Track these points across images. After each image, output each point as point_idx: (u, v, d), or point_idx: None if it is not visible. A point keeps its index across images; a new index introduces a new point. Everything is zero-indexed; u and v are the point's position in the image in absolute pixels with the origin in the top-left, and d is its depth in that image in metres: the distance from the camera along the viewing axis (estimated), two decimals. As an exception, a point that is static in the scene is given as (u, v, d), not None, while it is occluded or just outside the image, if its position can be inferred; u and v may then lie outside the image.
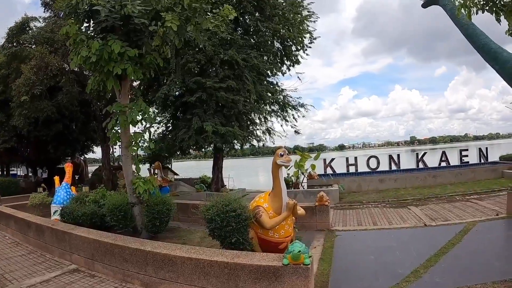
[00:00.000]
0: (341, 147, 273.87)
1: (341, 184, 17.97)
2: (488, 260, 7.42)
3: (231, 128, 18.00)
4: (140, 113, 10.89)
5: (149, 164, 29.66)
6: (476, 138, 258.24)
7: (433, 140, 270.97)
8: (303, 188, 18.30)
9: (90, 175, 36.51)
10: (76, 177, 33.87)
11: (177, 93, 19.95)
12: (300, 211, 8.39)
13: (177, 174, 33.86)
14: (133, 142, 11.02)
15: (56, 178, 14.71)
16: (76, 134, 29.44)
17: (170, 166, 35.01)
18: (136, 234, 10.59)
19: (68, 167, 14.43)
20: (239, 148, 22.35)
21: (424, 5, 8.85)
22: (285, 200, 7.63)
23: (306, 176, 18.89)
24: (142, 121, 11.19)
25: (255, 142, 22.16)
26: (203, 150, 23.03)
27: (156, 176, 22.82)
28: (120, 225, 10.69)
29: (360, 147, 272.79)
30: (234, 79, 18.67)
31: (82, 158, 37.73)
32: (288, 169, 18.35)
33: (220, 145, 18.42)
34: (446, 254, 7.83)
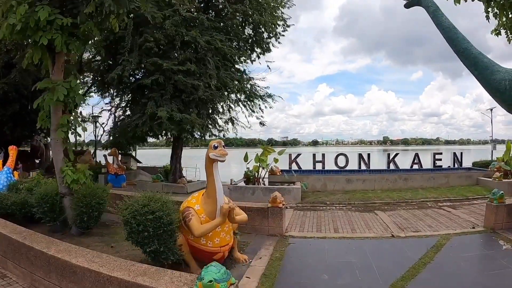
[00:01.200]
0: (315, 143, 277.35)
1: (304, 182, 16.52)
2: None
3: (188, 115, 16.44)
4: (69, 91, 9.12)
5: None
6: (448, 142, 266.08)
7: (405, 142, 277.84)
8: (264, 185, 16.79)
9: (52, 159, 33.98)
10: (37, 161, 32.67)
11: (137, 76, 18.26)
12: (240, 216, 7.03)
13: (139, 162, 32.42)
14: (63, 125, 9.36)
15: (-2, 162, 13.43)
16: (35, 115, 26.76)
17: (134, 154, 33.39)
18: (66, 229, 9.50)
19: (12, 150, 13.09)
20: (199, 137, 20.70)
21: (407, 6, 8.11)
22: (220, 203, 6.42)
23: (267, 171, 17.42)
24: (70, 100, 9.31)
25: (216, 132, 20.54)
26: (160, 137, 21.44)
27: (111, 163, 21.52)
28: (47, 218, 9.31)
29: (333, 144, 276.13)
30: (196, 63, 17.23)
31: (42, 141, 35.61)
32: (248, 163, 16.90)
33: (174, 133, 16.77)
34: (415, 278, 6.40)
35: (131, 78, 17.96)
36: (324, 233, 10.05)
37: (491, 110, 40.77)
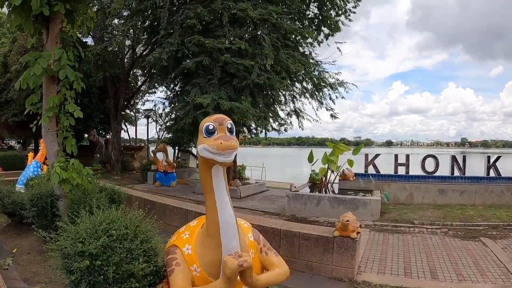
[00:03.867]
0: (389, 143, 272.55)
1: (385, 192, 12.94)
2: None
3: (238, 104, 13.37)
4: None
5: (173, 148, 26.53)
6: None
7: (485, 144, 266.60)
8: (332, 193, 13.39)
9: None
10: (97, 155, 32.21)
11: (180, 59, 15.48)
12: (270, 275, 3.89)
13: None
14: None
15: (30, 155, 13.26)
16: (90, 111, 27.40)
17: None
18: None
19: (43, 143, 11.33)
20: (254, 131, 17.57)
21: None
22: (228, 250, 3.35)
23: (338, 175, 14.04)
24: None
25: (276, 126, 17.34)
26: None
27: (160, 160, 19.33)
28: (37, 224, 7.46)
29: (408, 145, 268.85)
30: (249, 41, 14.29)
31: (100, 136, 34.67)
32: (313, 164, 13.66)
33: None
34: None
35: (174, 62, 15.14)
36: (418, 281, 6.59)
37: None
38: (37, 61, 6.71)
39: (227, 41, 13.79)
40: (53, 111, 7.25)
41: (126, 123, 36.23)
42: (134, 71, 27.15)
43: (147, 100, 32.93)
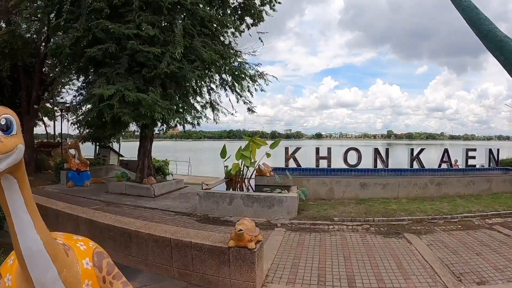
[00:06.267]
0: (319, 136, 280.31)
1: (303, 188, 12.18)
2: None
3: (145, 95, 12.21)
4: None
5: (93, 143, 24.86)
6: (452, 137, 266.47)
7: (409, 136, 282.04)
8: (248, 190, 12.51)
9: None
10: None
11: (84, 43, 14.01)
12: None
13: (121, 156, 28.67)
14: None
15: None
16: (2, 104, 23.77)
17: (118, 146, 29.84)
18: None
19: None
20: (163, 126, 16.37)
21: None
22: (42, 285, 2.68)
23: (254, 170, 13.20)
24: None
25: (190, 119, 16.19)
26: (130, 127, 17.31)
27: (73, 158, 17.77)
28: None
29: (337, 137, 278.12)
30: (161, 28, 13.26)
31: None
32: (226, 160, 12.75)
33: (127, 119, 12.51)
34: None
35: (80, 50, 13.68)
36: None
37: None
38: None
39: (135, 27, 12.53)
40: None
41: (46, 118, 33.75)
42: (49, 61, 25.02)
43: (64, 92, 30.67)
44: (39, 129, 36.17)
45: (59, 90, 27.13)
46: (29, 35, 21.29)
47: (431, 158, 18.70)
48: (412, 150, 15.79)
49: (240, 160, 12.23)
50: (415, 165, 15.49)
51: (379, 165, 15.12)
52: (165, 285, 6.20)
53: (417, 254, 7.36)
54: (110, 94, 11.95)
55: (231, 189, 12.25)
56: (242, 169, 12.48)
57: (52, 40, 13.51)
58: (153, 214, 11.46)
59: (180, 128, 17.20)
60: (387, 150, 15.46)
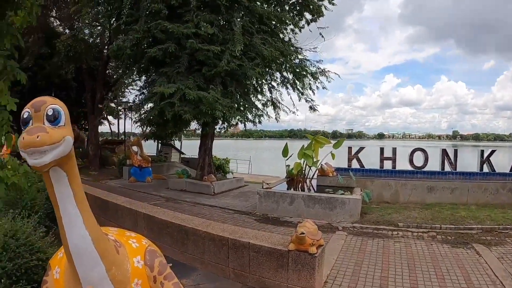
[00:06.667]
0: (381, 136, 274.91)
1: (367, 190, 11.71)
2: None
3: (205, 93, 12.20)
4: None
5: (155, 141, 25.66)
6: None
7: (476, 137, 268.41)
8: (309, 190, 12.18)
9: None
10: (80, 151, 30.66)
11: (145, 44, 14.33)
12: None
13: (183, 153, 29.31)
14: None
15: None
16: (69, 104, 25.03)
17: (180, 144, 30.56)
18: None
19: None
20: (225, 124, 16.30)
21: None
22: (88, 283, 2.65)
23: (316, 170, 12.86)
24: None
25: (251, 117, 15.98)
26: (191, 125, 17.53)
27: (135, 154, 18.34)
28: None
29: (400, 137, 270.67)
30: (220, 27, 13.31)
31: (82, 131, 33.55)
32: (287, 159, 12.48)
33: (187, 117, 12.56)
34: None
35: (141, 51, 14.02)
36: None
37: None
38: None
39: (194, 27, 12.57)
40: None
41: (111, 117, 35.14)
42: (112, 63, 26.02)
43: (127, 92, 31.77)
44: (104, 128, 37.60)
45: (123, 90, 28.08)
46: (92, 39, 22.32)
47: (500, 161, 17.46)
48: (482, 152, 14.76)
49: (302, 160, 11.96)
50: (485, 169, 14.52)
51: (447, 168, 14.32)
52: (220, 285, 6.08)
53: (487, 268, 6.71)
54: (171, 93, 12.08)
55: (292, 189, 11.98)
56: (304, 169, 12.19)
57: (114, 42, 13.88)
58: (212, 212, 11.42)
59: (241, 126, 17.07)
60: (455, 151, 14.53)
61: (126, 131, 30.75)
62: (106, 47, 23.19)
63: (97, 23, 19.60)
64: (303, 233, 5.10)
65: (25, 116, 2.29)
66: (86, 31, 19.72)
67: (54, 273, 3.02)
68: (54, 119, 2.28)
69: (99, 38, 22.68)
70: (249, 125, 16.34)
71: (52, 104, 2.33)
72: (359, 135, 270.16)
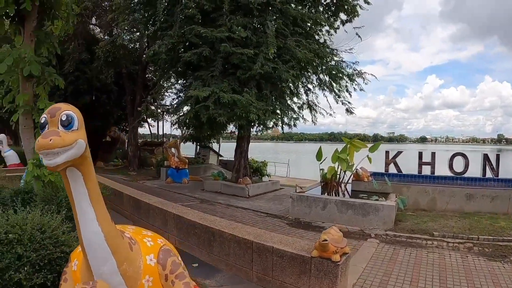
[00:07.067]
0: (423, 139, 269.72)
1: (402, 197, 11.37)
2: None
3: (239, 96, 12.24)
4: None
5: (193, 143, 26.16)
6: None
7: None
8: (343, 195, 11.97)
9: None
10: (120, 151, 32.79)
11: (180, 49, 14.70)
12: None
13: (220, 156, 29.90)
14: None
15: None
16: (110, 107, 27.39)
17: (218, 146, 31.03)
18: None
19: None
20: (261, 127, 16.29)
21: None
22: (99, 276, 2.89)
23: (352, 175, 12.63)
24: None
25: (287, 120, 15.92)
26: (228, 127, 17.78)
27: (172, 156, 18.74)
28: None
29: (443, 141, 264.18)
30: (253, 30, 13.36)
31: (123, 132, 34.79)
32: (321, 163, 12.31)
33: (222, 119, 12.64)
34: None
35: (176, 55, 14.32)
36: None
37: None
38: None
39: (227, 31, 12.69)
40: (25, 108, 7.46)
41: (151, 119, 35.96)
42: (151, 67, 26.69)
43: (166, 95, 32.46)
44: (145, 130, 38.72)
45: (162, 93, 28.61)
46: (132, 45, 23.26)
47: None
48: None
49: (336, 163, 11.77)
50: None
51: (488, 174, 13.74)
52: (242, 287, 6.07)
53: None
54: (205, 96, 12.26)
55: (326, 194, 11.80)
56: (338, 173, 12.01)
57: (151, 47, 14.35)
58: (244, 214, 11.46)
59: (279, 129, 17.08)
60: (497, 156, 13.94)
61: (167, 133, 31.38)
62: (144, 52, 23.81)
63: (135, 30, 20.08)
64: (326, 240, 4.99)
65: (42, 121, 2.55)
66: (126, 37, 20.24)
67: (73, 265, 3.29)
68: (67, 124, 2.50)
69: (138, 44, 23.38)
70: (286, 128, 16.35)
71: (66, 110, 2.54)
72: (401, 139, 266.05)
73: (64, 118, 2.52)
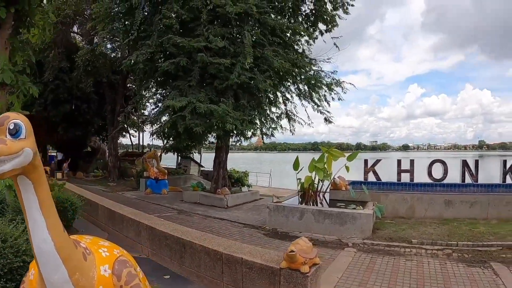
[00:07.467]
0: (405, 147, 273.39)
1: (380, 205, 11.30)
2: None
3: (216, 106, 12.14)
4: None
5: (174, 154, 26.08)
6: None
7: (503, 146, 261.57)
8: (322, 204, 11.85)
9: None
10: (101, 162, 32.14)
11: (157, 58, 14.72)
12: None
13: (202, 166, 29.80)
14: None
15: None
16: (90, 116, 27.37)
17: (199, 157, 30.90)
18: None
19: None
20: (239, 137, 16.15)
21: None
22: (51, 285, 2.84)
23: (329, 184, 12.52)
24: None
25: (265, 129, 15.95)
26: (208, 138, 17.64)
27: (152, 167, 18.59)
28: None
29: (425, 149, 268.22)
30: (231, 40, 13.39)
31: (104, 142, 34.33)
32: (298, 172, 12.19)
33: (198, 130, 12.49)
34: None
35: (154, 65, 14.31)
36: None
37: None
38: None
39: (204, 40, 12.65)
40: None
41: (132, 129, 35.66)
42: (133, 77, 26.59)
43: (147, 106, 32.23)
44: (128, 140, 38.53)
45: (144, 103, 28.43)
46: (114, 54, 23.24)
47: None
48: (504, 162, 14.16)
49: (314, 173, 11.65)
50: (509, 180, 13.92)
51: (468, 180, 13.78)
52: (213, 300, 5.93)
53: None
54: (181, 106, 12.16)
55: (303, 203, 11.68)
56: (316, 182, 11.89)
57: (128, 57, 14.31)
58: (221, 225, 11.34)
59: (255, 139, 17.03)
60: (476, 162, 14.02)
61: (150, 144, 31.12)
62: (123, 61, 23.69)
63: (116, 39, 19.98)
64: (293, 251, 4.87)
65: None
66: (108, 46, 20.08)
67: (30, 274, 3.24)
68: (15, 132, 2.46)
69: (119, 53, 23.17)
70: (266, 138, 16.32)
71: (14, 119, 2.50)
72: (384, 147, 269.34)
73: (12, 127, 2.48)
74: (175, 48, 13.00)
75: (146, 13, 14.28)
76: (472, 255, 8.24)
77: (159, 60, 14.22)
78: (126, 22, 15.48)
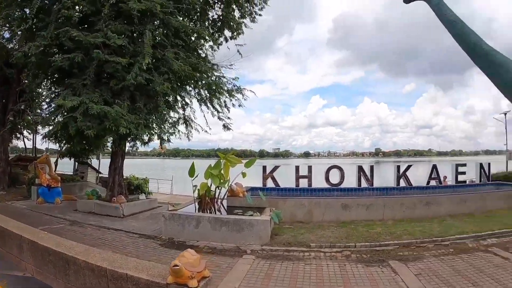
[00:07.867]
0: (307, 154, 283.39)
1: (277, 211, 11.24)
2: None
3: (109, 108, 11.47)
4: None
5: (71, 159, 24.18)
6: (440, 153, 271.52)
7: (397, 153, 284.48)
8: (219, 212, 11.59)
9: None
10: None
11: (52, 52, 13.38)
12: None
13: (100, 173, 27.99)
14: None
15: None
16: None
17: (98, 163, 29.13)
18: None
19: None
20: (136, 141, 15.52)
21: (407, 0, 5.64)
22: None
23: (227, 191, 12.29)
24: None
25: (163, 134, 15.52)
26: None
27: (44, 173, 16.96)
28: None
29: (325, 155, 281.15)
30: (132, 38, 12.86)
31: None
32: (194, 179, 11.77)
33: (90, 132, 11.67)
34: None
35: (48, 59, 13.01)
36: None
37: (505, 114, 35.59)
38: None
39: (102, 36, 11.89)
40: None
41: (26, 131, 32.75)
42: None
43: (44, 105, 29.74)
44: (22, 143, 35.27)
45: (40, 102, 26.28)
46: (11, 45, 20.56)
47: (419, 175, 17.98)
48: (398, 167, 15.01)
49: (209, 180, 11.31)
50: (402, 183, 14.72)
51: (364, 184, 14.34)
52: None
53: (404, 287, 6.49)
54: (72, 106, 11.27)
55: (200, 211, 11.31)
56: (213, 189, 11.56)
57: (20, 49, 12.98)
58: (115, 236, 10.63)
59: (153, 144, 16.45)
60: (371, 168, 14.68)
61: (47, 148, 28.92)
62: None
63: (12, 27, 18.24)
64: (177, 265, 4.54)
65: None
66: (7, 35, 18.19)
67: None
68: None
69: (17, 44, 20.94)
70: (174, 143, 15.82)
71: None
72: (286, 154, 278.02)
73: None
74: (71, 43, 12.05)
75: (46, 1, 13.10)
76: (370, 255, 8.50)
77: (55, 55, 12.98)
78: (25, 9, 13.97)
